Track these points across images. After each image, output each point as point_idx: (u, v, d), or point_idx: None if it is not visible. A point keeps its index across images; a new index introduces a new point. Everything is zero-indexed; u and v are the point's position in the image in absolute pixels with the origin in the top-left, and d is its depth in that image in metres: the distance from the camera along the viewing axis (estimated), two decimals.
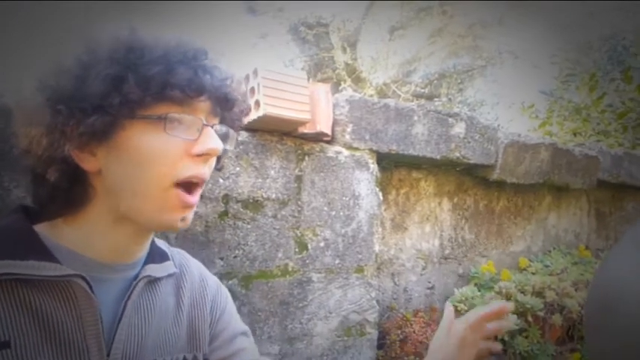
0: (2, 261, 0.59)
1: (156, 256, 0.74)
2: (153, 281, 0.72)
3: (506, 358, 2.08)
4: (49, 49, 0.64)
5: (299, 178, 1.59)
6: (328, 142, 1.69)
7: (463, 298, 2.04)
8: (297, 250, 1.57)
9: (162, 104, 0.60)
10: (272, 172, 1.54)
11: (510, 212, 2.53)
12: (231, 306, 0.86)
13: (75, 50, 0.61)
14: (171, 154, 0.61)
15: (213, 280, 0.85)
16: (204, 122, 0.64)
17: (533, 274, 2.34)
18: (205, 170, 0.65)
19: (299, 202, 1.58)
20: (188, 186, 0.64)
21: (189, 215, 0.66)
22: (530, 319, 2.03)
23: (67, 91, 0.58)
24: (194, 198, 0.65)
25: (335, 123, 1.70)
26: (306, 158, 1.62)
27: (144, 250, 0.72)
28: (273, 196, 1.53)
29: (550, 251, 2.64)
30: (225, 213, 1.44)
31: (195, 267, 0.83)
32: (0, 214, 1.07)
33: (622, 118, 4.18)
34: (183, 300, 0.77)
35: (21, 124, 0.62)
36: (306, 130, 1.59)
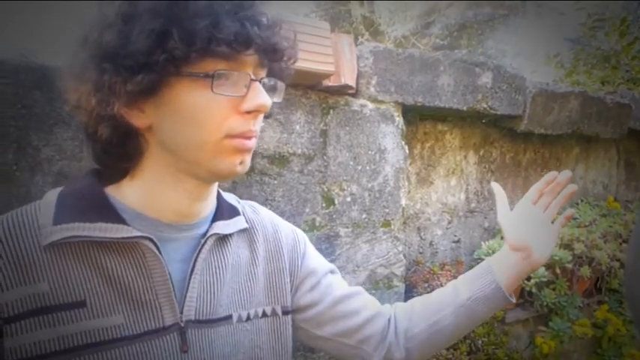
0: (73, 224, 0.60)
1: (224, 211, 0.74)
2: (223, 238, 0.72)
3: (533, 310, 2.08)
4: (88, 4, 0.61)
5: (324, 133, 1.56)
6: (353, 95, 1.65)
7: (490, 251, 2.03)
8: (324, 205, 1.56)
9: (209, 60, 0.58)
10: (297, 126, 1.51)
11: (537, 164, 2.48)
12: (310, 249, 0.86)
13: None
14: (219, 112, 0.60)
15: (288, 229, 0.85)
16: (252, 77, 0.62)
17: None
18: (255, 126, 0.64)
19: (325, 157, 1.56)
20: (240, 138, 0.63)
21: (248, 159, 0.65)
22: (558, 271, 2.02)
23: (111, 48, 0.57)
24: (250, 142, 0.64)
25: (359, 75, 1.65)
26: (331, 112, 1.58)
27: (208, 208, 0.71)
28: (299, 151, 1.51)
29: (578, 203, 2.59)
30: (252, 169, 1.42)
31: (268, 219, 0.82)
32: (31, 172, 1.07)
33: None
34: (258, 254, 0.77)
35: (69, 80, 0.61)
36: (330, 83, 1.54)
